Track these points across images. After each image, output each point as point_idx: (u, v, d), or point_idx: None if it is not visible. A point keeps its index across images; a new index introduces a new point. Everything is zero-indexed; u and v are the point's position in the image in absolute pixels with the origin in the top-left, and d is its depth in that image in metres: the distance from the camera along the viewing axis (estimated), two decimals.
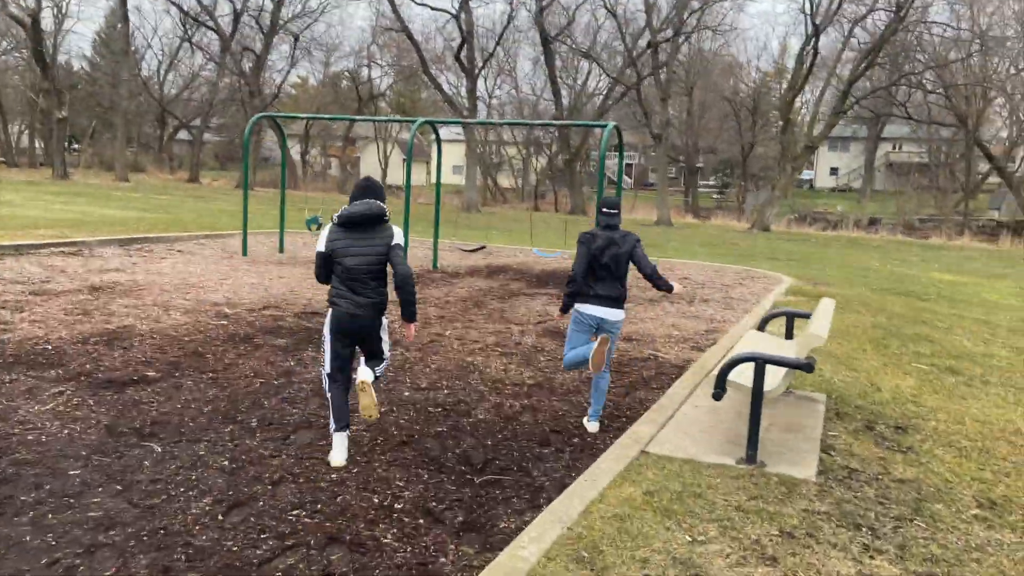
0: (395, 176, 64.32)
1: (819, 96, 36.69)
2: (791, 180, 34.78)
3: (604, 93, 36.76)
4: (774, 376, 4.28)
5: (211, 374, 6.16)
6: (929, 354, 8.04)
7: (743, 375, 4.39)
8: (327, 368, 4.58)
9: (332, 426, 4.50)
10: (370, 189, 4.57)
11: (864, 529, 3.50)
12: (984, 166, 58.21)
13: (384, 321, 4.63)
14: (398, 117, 35.46)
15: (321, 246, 4.50)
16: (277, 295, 10.02)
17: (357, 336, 4.54)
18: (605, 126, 11.71)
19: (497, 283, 12.70)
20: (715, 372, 4.22)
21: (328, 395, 4.57)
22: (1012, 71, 45.89)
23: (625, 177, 74.94)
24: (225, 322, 8.12)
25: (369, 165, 65.16)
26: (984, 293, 15.30)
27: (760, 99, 55.80)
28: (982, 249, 32.51)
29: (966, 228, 42.16)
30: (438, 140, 14.36)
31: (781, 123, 34.66)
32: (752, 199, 58.03)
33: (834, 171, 78.24)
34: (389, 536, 3.57)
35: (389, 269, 4.53)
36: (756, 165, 59.86)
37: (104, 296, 9.18)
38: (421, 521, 3.74)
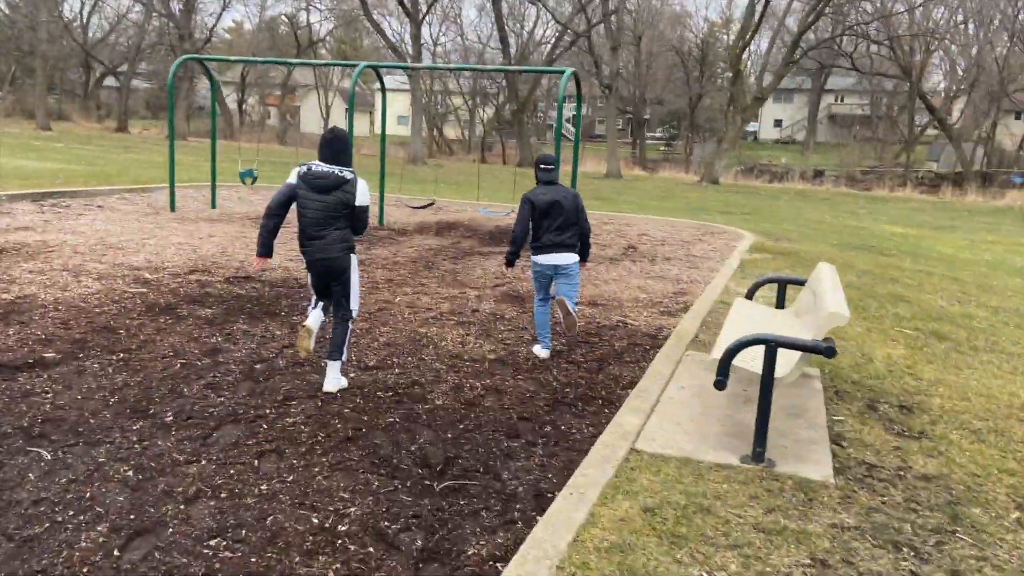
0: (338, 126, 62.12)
1: (768, 47, 36.25)
2: (739, 132, 34.46)
3: (552, 41, 35.63)
4: (787, 360, 3.67)
5: (122, 355, 5.30)
6: (909, 317, 7.61)
7: (746, 358, 3.78)
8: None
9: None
10: (335, 145, 4.80)
11: (905, 549, 2.94)
12: (924, 118, 59.21)
13: (353, 261, 4.90)
14: (339, 62, 33.78)
15: (293, 179, 4.82)
16: (206, 257, 9.07)
17: (326, 277, 4.89)
18: (562, 72, 10.89)
19: (448, 241, 11.92)
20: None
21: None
22: (952, 23, 46.22)
23: (571, 127, 74.21)
24: (144, 289, 7.20)
25: (309, 114, 62.83)
26: (939, 247, 15.14)
27: (708, 49, 55.24)
28: (924, 201, 32.87)
29: (907, 180, 42.67)
30: (382, 87, 13.35)
31: (730, 74, 34.15)
32: (699, 151, 57.96)
33: (778, 123, 78.59)
34: (332, 574, 2.87)
35: None
36: (702, 117, 59.58)
37: (6, 260, 8.12)
38: (371, 549, 3.05)
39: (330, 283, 4.89)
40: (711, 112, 61.97)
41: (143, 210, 12.93)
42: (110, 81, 58.71)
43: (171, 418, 4.29)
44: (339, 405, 4.62)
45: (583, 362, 5.76)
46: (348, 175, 4.74)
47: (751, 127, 73.30)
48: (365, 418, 4.44)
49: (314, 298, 5.03)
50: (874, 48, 43.73)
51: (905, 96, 61.41)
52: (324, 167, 4.74)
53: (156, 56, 52.66)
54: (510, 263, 5.79)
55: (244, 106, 62.95)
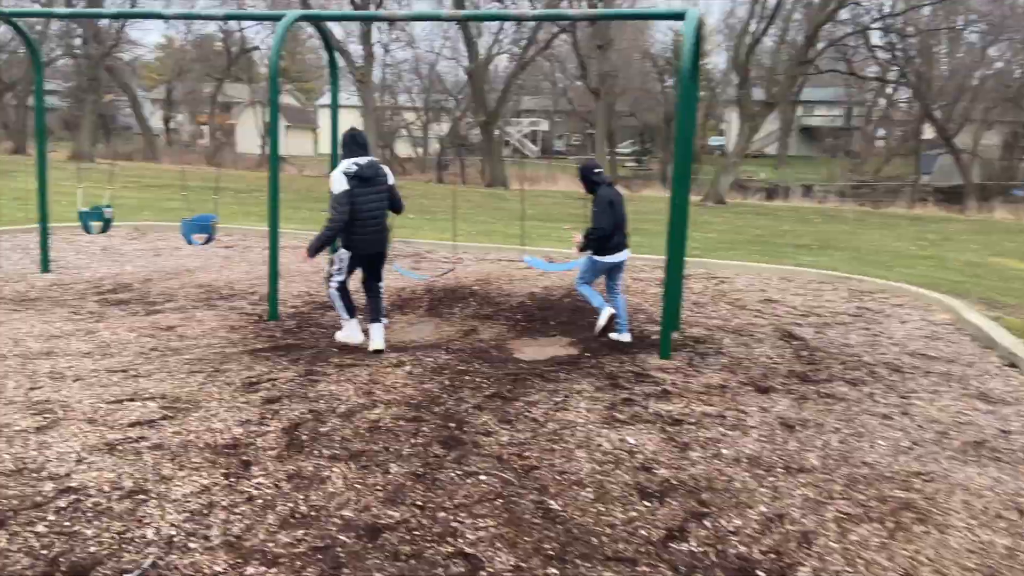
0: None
1: (777, 46, 31.83)
2: (746, 144, 29.83)
3: (525, 40, 30.59)
4: None
5: None
6: None
7: None
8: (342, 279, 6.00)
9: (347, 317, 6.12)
10: (361, 138, 5.85)
11: None
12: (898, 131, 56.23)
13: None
14: (255, 12, 27.24)
15: (345, 185, 5.56)
16: None
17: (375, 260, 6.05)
18: (682, 14, 5.69)
19: (459, 334, 6.58)
20: None
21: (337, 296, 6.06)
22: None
23: (531, 144, 69.29)
24: None
25: (246, 134, 56.55)
26: None
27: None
28: (968, 220, 28.56)
29: (920, 197, 38.72)
30: (332, 60, 7.93)
31: (738, 78, 29.54)
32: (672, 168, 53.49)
33: None
34: None
35: None
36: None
37: None
38: None
39: (372, 264, 5.99)
40: None
41: None
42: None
43: None
44: None
45: None
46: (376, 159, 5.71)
47: (717, 141, 69.52)
48: None
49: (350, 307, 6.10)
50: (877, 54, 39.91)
51: (880, 108, 58.60)
52: (365, 159, 5.64)
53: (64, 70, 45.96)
54: (585, 249, 6.37)
55: (171, 124, 56.51)
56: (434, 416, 4.53)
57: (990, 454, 4.26)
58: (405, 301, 8.08)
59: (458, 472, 3.79)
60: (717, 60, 56.82)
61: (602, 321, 6.50)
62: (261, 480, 3.65)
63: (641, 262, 11.24)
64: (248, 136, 57.70)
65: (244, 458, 3.88)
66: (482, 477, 3.75)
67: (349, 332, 6.18)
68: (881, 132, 59.86)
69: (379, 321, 6.06)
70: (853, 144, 63.07)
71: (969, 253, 15.39)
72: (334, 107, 8.07)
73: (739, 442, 4.32)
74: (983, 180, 43.56)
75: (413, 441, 4.16)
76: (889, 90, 49.23)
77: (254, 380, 5.05)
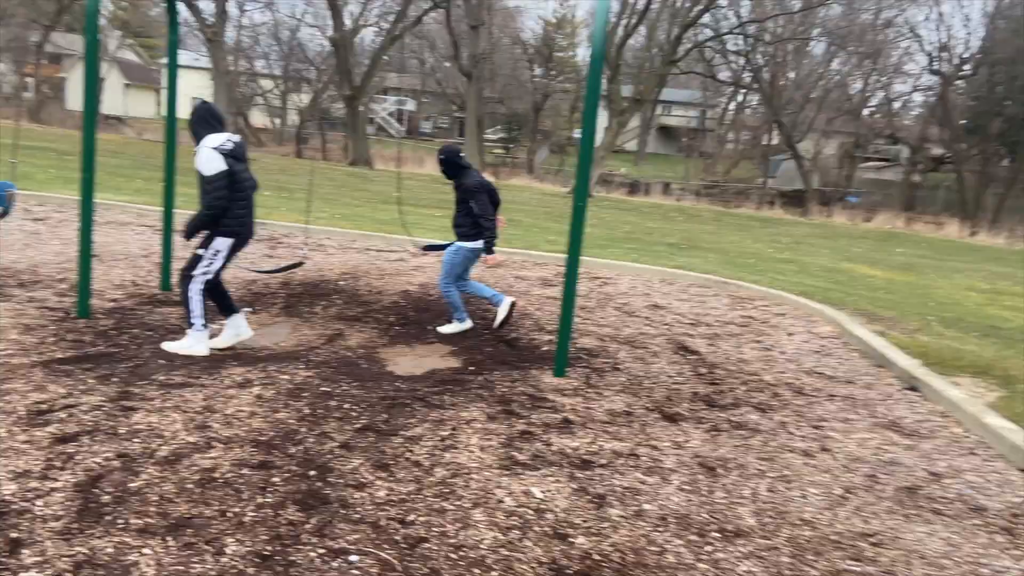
0: (113, 104, 51.27)
1: (646, 44, 32.15)
2: (615, 137, 29.97)
3: (395, 14, 29.16)
4: None
5: None
6: None
7: None
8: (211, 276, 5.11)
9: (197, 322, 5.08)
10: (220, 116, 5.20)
11: None
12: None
13: None
14: None
15: (223, 165, 4.86)
16: None
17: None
18: None
19: (322, 340, 5.59)
20: None
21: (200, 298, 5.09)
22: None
23: (397, 124, 67.35)
24: None
25: (76, 88, 51.21)
26: None
27: (554, 46, 51.04)
28: (812, 224, 30.04)
29: (771, 199, 40.61)
30: (171, 6, 6.59)
31: (608, 72, 29.54)
32: (541, 156, 53.79)
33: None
34: None
35: None
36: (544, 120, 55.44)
37: None
38: None
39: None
40: (550, 115, 58.18)
41: None
42: None
43: None
44: None
45: None
46: None
47: (579, 134, 70.44)
48: None
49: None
50: (730, 59, 41.51)
51: (731, 112, 61.49)
52: (236, 135, 5.10)
53: None
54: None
55: None
56: (289, 460, 3.55)
57: (929, 505, 3.82)
58: (256, 297, 6.92)
59: (320, 551, 2.86)
60: (584, 53, 57.41)
61: (504, 311, 6.34)
62: (32, 574, 2.57)
63: (521, 257, 10.54)
64: (78, 90, 52.33)
65: (12, 535, 2.76)
66: (353, 558, 2.84)
67: (195, 342, 5.15)
68: (731, 136, 62.80)
69: (239, 311, 5.48)
70: (706, 145, 65.89)
71: (823, 258, 15.84)
72: (172, 64, 6.74)
73: (661, 493, 3.64)
74: (822, 186, 46.48)
75: (260, 500, 3.17)
76: (739, 96, 51.54)
77: (44, 408, 3.85)
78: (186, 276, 5.12)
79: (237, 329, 5.50)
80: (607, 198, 31.53)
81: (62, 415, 3.77)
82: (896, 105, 48.49)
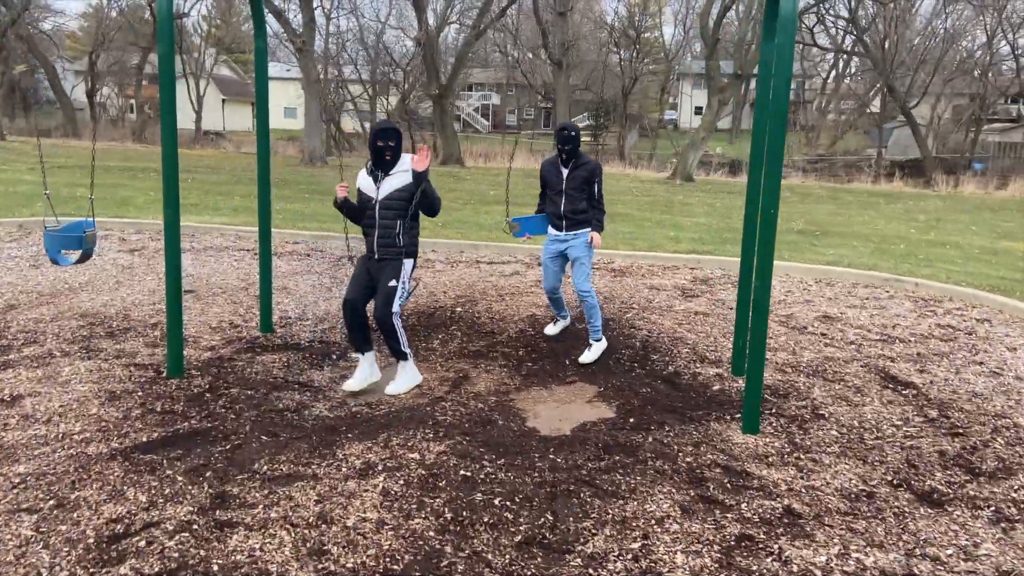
0: (212, 120, 52.61)
1: (746, 12, 30.14)
2: (717, 118, 28.19)
3: (478, 9, 28.27)
4: None
5: None
6: None
7: None
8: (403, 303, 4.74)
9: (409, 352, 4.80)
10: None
11: None
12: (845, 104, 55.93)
13: None
14: None
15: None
16: None
17: None
18: None
19: (446, 386, 4.60)
20: None
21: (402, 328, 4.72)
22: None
23: (481, 119, 66.79)
24: None
25: (179, 107, 52.76)
26: None
27: (640, 27, 49.17)
28: (940, 196, 27.41)
29: (884, 171, 37.74)
30: (257, 14, 5.74)
31: (707, 46, 27.77)
32: (631, 141, 52.09)
33: (698, 111, 73.75)
34: None
35: None
36: (633, 104, 53.62)
37: None
38: None
39: None
40: (640, 97, 56.33)
41: None
42: None
43: None
44: None
45: None
46: None
47: (670, 115, 68.27)
48: None
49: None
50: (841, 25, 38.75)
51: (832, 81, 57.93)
52: None
53: None
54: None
55: (98, 97, 52.43)
56: None
57: None
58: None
59: None
60: (666, 31, 55.33)
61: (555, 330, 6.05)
62: None
63: (646, 260, 9.36)
64: (181, 110, 54.05)
65: None
66: None
67: (411, 375, 4.90)
68: (832, 106, 59.32)
69: (372, 347, 4.93)
70: (806, 118, 62.53)
71: (976, 236, 13.90)
72: (260, 71, 5.91)
73: None
74: (940, 153, 43.03)
75: None
76: (840, 64, 48.44)
77: (119, 530, 2.99)
78: (387, 313, 4.61)
79: (370, 370, 4.88)
80: (709, 181, 29.75)
81: (140, 543, 2.89)
82: None
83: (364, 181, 4.74)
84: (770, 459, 3.85)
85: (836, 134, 55.50)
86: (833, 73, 56.54)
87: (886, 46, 39.80)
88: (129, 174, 17.00)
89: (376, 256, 4.68)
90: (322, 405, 4.63)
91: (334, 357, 5.55)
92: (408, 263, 4.71)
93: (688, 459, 3.84)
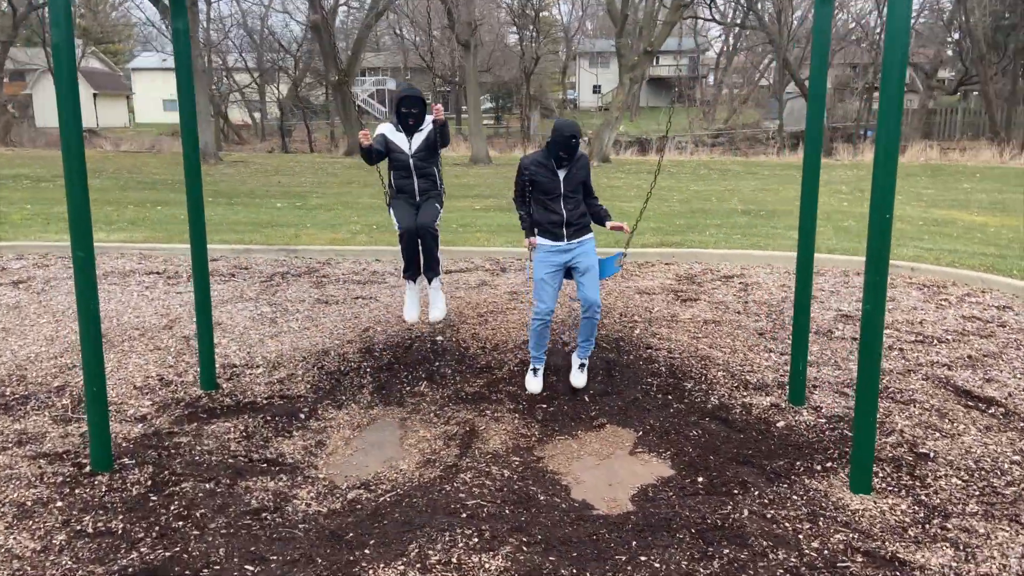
0: (84, 117, 48.55)
1: None
2: (629, 96, 27.78)
3: None
4: None
5: None
6: None
7: None
8: None
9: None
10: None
11: None
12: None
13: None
14: None
15: None
16: None
17: None
18: None
19: (452, 449, 3.64)
20: None
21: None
22: None
23: (378, 105, 64.61)
24: None
25: (46, 103, 48.41)
26: None
27: (539, 6, 48.43)
28: (846, 165, 27.93)
29: (783, 142, 38.50)
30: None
31: (616, 24, 27.24)
32: (534, 123, 51.48)
33: (597, 89, 74.05)
34: None
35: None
36: (533, 86, 52.92)
37: None
38: None
39: None
40: (539, 79, 55.79)
41: None
42: None
43: None
44: None
45: None
46: None
47: (570, 95, 68.16)
48: None
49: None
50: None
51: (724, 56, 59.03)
52: None
53: None
54: None
55: None
56: None
57: None
58: (334, 379, 4.93)
59: None
60: (563, 9, 54.97)
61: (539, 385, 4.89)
62: None
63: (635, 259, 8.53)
64: (50, 108, 49.44)
65: None
66: None
67: (441, 291, 5.54)
68: (728, 80, 60.47)
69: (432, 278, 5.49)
70: (701, 93, 63.72)
71: (903, 206, 13.81)
72: (180, 56, 4.65)
73: None
74: (834, 123, 44.37)
75: None
76: (731, 39, 49.38)
77: None
78: (433, 223, 5.17)
79: (419, 294, 5.61)
80: (624, 161, 29.40)
81: None
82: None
83: (395, 137, 5.15)
84: (911, 532, 3.07)
85: (733, 107, 56.57)
86: (726, 48, 57.50)
87: (781, 19, 40.58)
88: None
89: (418, 196, 5.23)
90: (306, 493, 3.57)
91: (303, 416, 4.45)
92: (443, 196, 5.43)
93: (814, 543, 3.00)
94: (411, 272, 5.30)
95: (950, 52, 43.61)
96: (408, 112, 5.04)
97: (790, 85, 43.56)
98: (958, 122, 41.05)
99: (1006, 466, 3.63)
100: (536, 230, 4.65)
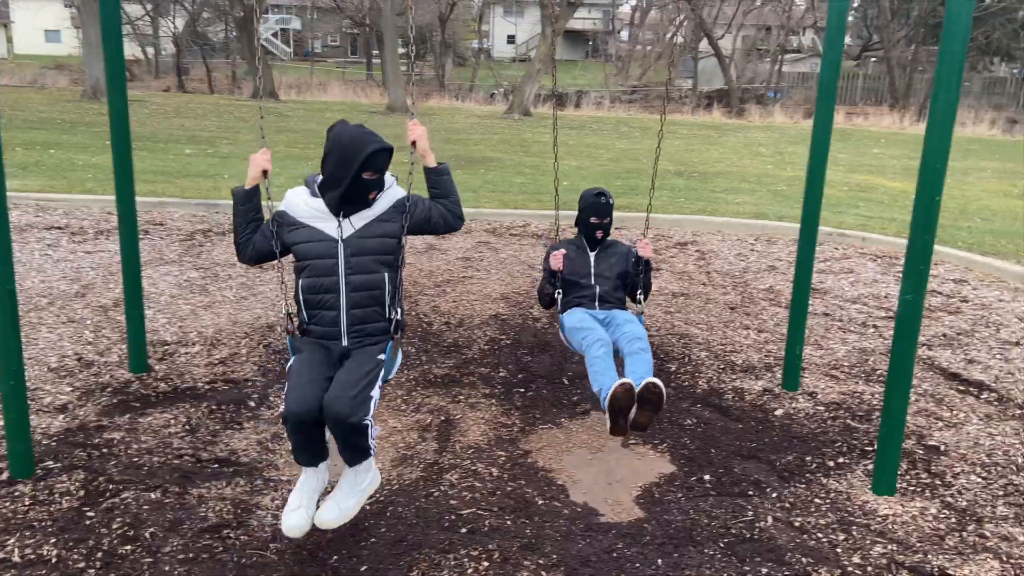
0: None
1: None
2: (552, 48, 27.21)
3: None
4: None
5: None
6: None
7: None
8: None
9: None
10: None
11: None
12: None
13: None
14: None
15: None
16: None
17: None
18: None
19: (428, 440, 3.22)
20: None
21: None
22: None
23: (282, 45, 61.57)
24: None
25: None
26: None
27: None
28: (757, 126, 28.40)
29: (698, 101, 38.87)
30: None
31: None
32: (448, 71, 50.22)
33: (511, 39, 72.82)
34: None
35: None
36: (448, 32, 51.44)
37: None
38: None
39: None
40: (452, 26, 54.31)
41: None
42: None
43: None
44: None
45: None
46: None
47: (484, 43, 66.82)
48: None
49: None
50: None
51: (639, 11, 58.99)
52: None
53: None
54: None
55: None
56: None
57: None
58: (283, 359, 4.39)
59: None
60: None
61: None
62: None
63: (565, 221, 8.17)
64: None
65: None
66: None
67: (372, 476, 2.92)
68: (642, 36, 60.58)
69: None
70: (614, 48, 63.61)
71: (831, 171, 14.03)
72: None
73: None
74: (740, 84, 45.16)
75: None
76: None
77: None
78: (362, 408, 2.65)
79: (318, 482, 2.81)
80: (544, 114, 28.97)
81: None
82: None
83: (303, 208, 2.93)
84: (948, 541, 2.87)
85: (646, 65, 56.71)
86: (641, 4, 57.41)
87: None
88: None
89: (345, 341, 2.85)
90: (270, 501, 3.09)
91: (252, 404, 3.92)
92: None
93: (855, 557, 2.76)
94: (306, 457, 2.75)
95: (851, 18, 44.82)
96: (370, 180, 2.90)
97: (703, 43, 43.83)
98: (859, 87, 42.52)
99: (1020, 460, 3.51)
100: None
